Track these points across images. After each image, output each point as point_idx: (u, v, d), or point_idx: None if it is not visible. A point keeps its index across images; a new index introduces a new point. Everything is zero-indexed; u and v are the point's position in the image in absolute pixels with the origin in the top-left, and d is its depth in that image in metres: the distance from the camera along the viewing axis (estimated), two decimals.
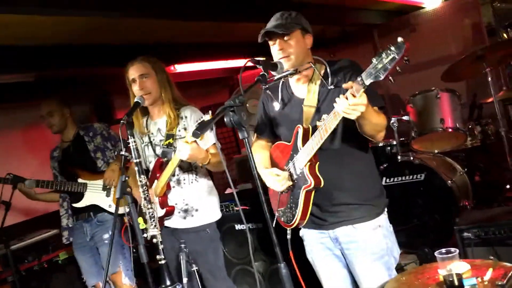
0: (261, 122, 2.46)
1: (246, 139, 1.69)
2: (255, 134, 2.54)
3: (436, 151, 4.19)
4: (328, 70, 2.13)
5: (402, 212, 3.81)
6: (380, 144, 4.24)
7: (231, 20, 3.98)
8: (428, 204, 3.76)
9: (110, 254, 2.43)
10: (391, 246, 2.20)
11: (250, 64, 1.97)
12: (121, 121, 2.43)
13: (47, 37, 3.41)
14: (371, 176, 2.28)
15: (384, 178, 3.89)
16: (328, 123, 1.91)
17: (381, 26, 6.03)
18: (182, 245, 2.63)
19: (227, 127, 3.88)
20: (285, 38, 2.10)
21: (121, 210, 3.31)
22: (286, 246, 2.21)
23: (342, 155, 2.16)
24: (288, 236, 2.22)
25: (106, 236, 3.54)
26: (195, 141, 2.47)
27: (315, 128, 2.07)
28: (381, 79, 1.67)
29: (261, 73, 1.97)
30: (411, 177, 3.82)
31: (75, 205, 3.57)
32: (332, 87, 2.10)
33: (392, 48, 1.62)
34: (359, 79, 1.72)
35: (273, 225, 1.76)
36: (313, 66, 2.14)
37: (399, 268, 3.72)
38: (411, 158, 3.91)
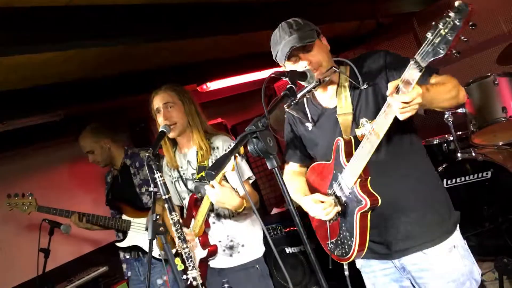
0: (291, 147, 2.18)
1: (276, 169, 1.42)
2: (285, 160, 2.25)
3: (500, 143, 3.74)
4: (354, 69, 1.83)
5: (470, 216, 3.38)
6: (435, 142, 3.84)
7: (254, 30, 3.77)
8: (500, 204, 3.33)
9: None
10: (471, 267, 1.86)
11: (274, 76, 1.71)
12: (146, 155, 2.23)
13: (65, 73, 3.30)
14: (434, 185, 1.94)
15: (445, 180, 3.51)
16: (379, 126, 1.60)
17: (420, 13, 5.61)
18: (226, 285, 2.39)
19: None
20: (307, 49, 1.83)
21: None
22: (343, 282, 1.91)
23: (396, 165, 1.83)
24: (346, 273, 1.89)
25: (160, 282, 3.34)
26: (224, 179, 2.21)
27: (356, 138, 1.78)
28: (441, 55, 1.36)
29: (288, 86, 1.68)
30: (476, 175, 3.42)
31: (118, 244, 3.41)
32: (365, 86, 1.82)
33: (451, 14, 1.32)
34: (412, 62, 1.43)
35: (330, 266, 1.48)
36: (337, 69, 1.85)
37: None
38: (473, 154, 3.50)
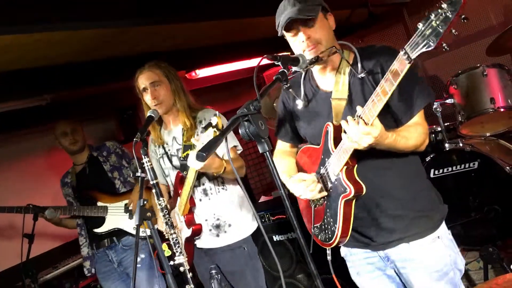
0: (282, 125, 2.13)
1: (267, 153, 1.40)
2: (277, 139, 2.21)
3: (488, 134, 3.76)
4: (357, 56, 1.79)
5: (457, 206, 3.41)
6: None
7: (250, 16, 3.72)
8: (486, 194, 3.35)
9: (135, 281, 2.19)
10: (455, 258, 1.85)
11: (267, 61, 1.69)
12: (134, 139, 2.21)
13: (55, 56, 3.23)
14: (422, 179, 1.93)
15: (432, 170, 3.52)
16: (366, 115, 1.55)
17: (411, 4, 5.61)
18: (213, 271, 2.38)
19: None
20: (309, 24, 1.77)
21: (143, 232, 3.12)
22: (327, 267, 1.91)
23: (385, 154, 1.79)
24: (329, 257, 1.90)
25: (138, 259, 3.32)
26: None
27: None
28: (432, 48, 1.33)
29: (280, 71, 1.67)
30: (463, 166, 3.43)
31: (96, 230, 3.38)
32: (363, 75, 1.76)
33: (444, 6, 1.28)
34: (402, 52, 1.39)
35: (310, 250, 1.47)
36: (338, 51, 1.79)
37: None
38: (461, 144, 3.51)
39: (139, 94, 2.59)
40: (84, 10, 2.60)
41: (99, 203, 3.41)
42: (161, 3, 2.99)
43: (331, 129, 1.80)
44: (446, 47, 1.34)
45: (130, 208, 3.34)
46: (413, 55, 1.37)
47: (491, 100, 3.48)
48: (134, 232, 3.29)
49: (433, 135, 3.86)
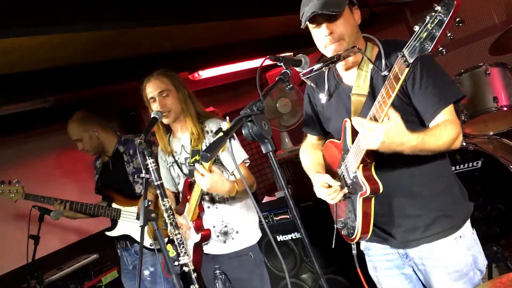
0: (308, 118, 2.11)
1: (270, 153, 1.41)
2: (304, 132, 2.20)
3: (491, 133, 3.76)
4: (382, 50, 1.73)
5: None
6: None
7: (253, 17, 3.72)
8: (489, 193, 3.34)
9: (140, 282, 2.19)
10: (476, 258, 1.81)
11: (270, 62, 1.69)
12: (138, 141, 2.21)
13: (57, 58, 3.24)
14: (447, 176, 1.85)
15: None
16: (378, 113, 1.51)
17: (413, 3, 5.61)
18: (217, 272, 2.39)
19: None
20: (333, 18, 1.72)
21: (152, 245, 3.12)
22: (348, 260, 1.91)
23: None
24: (354, 252, 1.88)
25: (147, 272, 3.31)
26: (215, 164, 2.20)
27: None
28: (428, 51, 1.28)
29: (283, 71, 1.68)
30: (466, 165, 3.42)
31: (108, 233, 3.37)
32: (386, 73, 1.65)
33: (438, 8, 1.24)
34: (399, 56, 1.36)
35: (333, 242, 1.46)
36: (359, 49, 1.73)
37: None
38: (464, 144, 3.51)
39: (146, 102, 2.60)
40: (86, 12, 2.61)
41: (114, 205, 3.36)
42: (163, 4, 3.01)
43: (348, 126, 1.77)
44: (443, 51, 1.31)
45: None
46: (411, 59, 1.33)
47: (494, 99, 3.48)
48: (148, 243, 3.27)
49: None
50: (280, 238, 3.43)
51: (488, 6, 5.08)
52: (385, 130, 1.45)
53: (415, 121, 1.73)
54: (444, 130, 1.61)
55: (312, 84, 1.96)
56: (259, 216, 2.56)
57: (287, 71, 1.67)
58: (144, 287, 3.36)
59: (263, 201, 3.82)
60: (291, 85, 1.66)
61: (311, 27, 1.79)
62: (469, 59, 5.03)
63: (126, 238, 3.35)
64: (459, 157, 3.46)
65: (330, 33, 1.73)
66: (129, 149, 3.39)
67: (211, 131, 2.51)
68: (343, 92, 1.88)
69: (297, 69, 1.78)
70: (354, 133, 1.69)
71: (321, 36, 1.76)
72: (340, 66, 1.89)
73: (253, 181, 2.52)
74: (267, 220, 3.43)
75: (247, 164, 2.54)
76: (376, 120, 1.50)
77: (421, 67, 1.66)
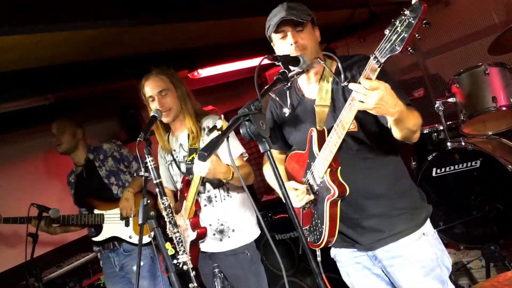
0: (271, 133, 2.18)
1: (268, 152, 1.42)
2: None
3: (490, 133, 3.77)
4: (339, 65, 1.85)
5: (458, 205, 3.44)
6: (425, 131, 3.86)
7: (252, 15, 3.72)
8: (488, 193, 3.36)
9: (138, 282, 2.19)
10: (441, 255, 1.90)
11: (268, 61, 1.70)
12: (138, 139, 2.22)
13: (57, 56, 3.24)
14: (405, 178, 1.98)
15: (434, 169, 3.54)
16: (344, 118, 1.63)
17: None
18: (216, 270, 2.40)
19: None
20: (298, 29, 1.85)
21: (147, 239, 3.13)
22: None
23: (367, 158, 1.88)
24: (319, 258, 1.93)
25: (135, 268, 3.31)
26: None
27: (330, 130, 1.80)
28: (398, 52, 1.40)
29: (281, 71, 1.70)
30: (464, 165, 3.44)
31: (94, 239, 3.37)
32: (345, 83, 1.81)
33: (407, 13, 1.35)
34: (372, 57, 1.46)
35: (300, 252, 1.50)
36: (321, 62, 1.87)
37: (462, 266, 3.37)
38: (463, 143, 3.52)
39: (145, 101, 2.60)
40: (86, 10, 2.61)
41: (96, 211, 3.37)
42: (163, 3, 3.01)
43: (315, 134, 1.88)
44: (411, 50, 1.42)
45: (124, 216, 3.31)
46: (382, 59, 1.43)
47: (493, 99, 3.49)
48: (130, 240, 3.31)
49: (435, 134, 3.87)
50: (278, 237, 3.44)
51: (487, 6, 5.07)
52: (387, 88, 1.51)
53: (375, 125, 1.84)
54: (417, 115, 1.73)
55: (276, 98, 2.06)
56: (256, 214, 2.57)
57: (285, 70, 1.68)
58: (129, 282, 3.39)
59: (262, 200, 3.83)
60: (289, 84, 1.67)
61: (276, 37, 1.90)
62: (468, 59, 5.02)
63: (113, 239, 3.36)
64: (458, 156, 3.47)
65: (295, 42, 1.84)
66: (99, 155, 3.44)
67: (208, 127, 2.52)
68: (307, 105, 1.99)
69: (294, 68, 1.78)
70: (320, 141, 1.83)
71: (286, 45, 1.87)
72: (301, 81, 2.01)
73: (250, 170, 2.56)
74: (265, 219, 3.44)
75: (245, 158, 2.57)
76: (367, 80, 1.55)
77: (379, 76, 1.73)
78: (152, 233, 2.16)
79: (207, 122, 2.54)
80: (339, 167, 1.80)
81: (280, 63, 1.69)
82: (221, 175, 2.34)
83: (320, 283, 1.42)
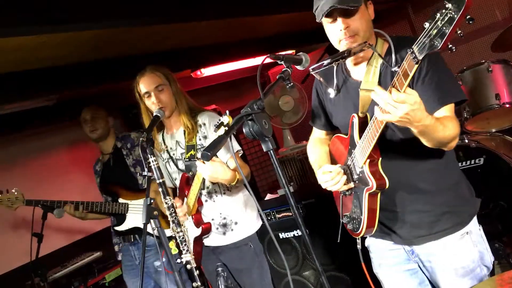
0: (315, 113, 2.12)
1: (271, 151, 1.42)
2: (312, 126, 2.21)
3: (493, 130, 3.76)
4: (392, 47, 1.72)
5: None
6: None
7: (255, 14, 3.72)
8: (492, 190, 3.34)
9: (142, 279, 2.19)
10: (483, 254, 1.80)
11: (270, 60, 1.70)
12: (140, 139, 2.22)
13: (60, 57, 3.25)
14: (454, 172, 1.85)
15: None
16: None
17: (415, 0, 5.59)
18: (220, 269, 2.41)
19: None
20: (349, 13, 1.70)
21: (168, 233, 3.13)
22: (351, 257, 1.92)
23: (411, 149, 1.73)
24: (359, 246, 1.88)
25: (158, 263, 3.31)
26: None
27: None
28: (438, 49, 1.25)
29: (283, 70, 1.69)
30: (468, 162, 3.43)
31: (117, 228, 3.37)
32: (396, 68, 1.55)
33: (449, 6, 1.20)
34: (409, 52, 1.32)
35: (339, 236, 1.47)
36: (370, 45, 1.71)
37: None
38: (466, 141, 3.50)
39: (139, 99, 2.60)
40: (87, 11, 2.61)
41: (121, 200, 3.36)
42: (165, 3, 3.01)
43: (356, 121, 1.77)
44: (452, 48, 1.28)
45: None
46: (420, 56, 1.30)
47: (497, 96, 3.48)
48: (153, 232, 3.27)
49: None
50: (282, 235, 3.44)
51: (490, 3, 5.05)
52: (415, 101, 1.39)
53: None
54: (451, 124, 1.59)
55: (320, 79, 1.97)
56: (259, 211, 2.58)
57: (288, 69, 1.67)
58: (148, 277, 3.39)
59: (265, 199, 3.83)
60: (292, 83, 1.67)
61: (326, 21, 1.77)
62: (471, 56, 5.00)
63: (135, 231, 3.36)
64: (462, 154, 3.46)
65: (346, 27, 1.71)
66: (127, 143, 3.45)
67: (204, 124, 2.53)
68: (351, 87, 1.88)
69: (298, 67, 1.78)
70: (362, 128, 1.70)
71: (335, 30, 1.75)
72: (349, 61, 1.89)
73: (249, 170, 2.55)
74: (269, 218, 3.44)
75: (240, 155, 2.57)
76: (395, 88, 1.44)
77: (427, 62, 1.65)
78: (156, 227, 2.16)
79: (203, 119, 2.55)
80: (380, 158, 1.70)
81: (282, 62, 1.68)
82: (226, 181, 2.34)
83: (324, 281, 1.42)
